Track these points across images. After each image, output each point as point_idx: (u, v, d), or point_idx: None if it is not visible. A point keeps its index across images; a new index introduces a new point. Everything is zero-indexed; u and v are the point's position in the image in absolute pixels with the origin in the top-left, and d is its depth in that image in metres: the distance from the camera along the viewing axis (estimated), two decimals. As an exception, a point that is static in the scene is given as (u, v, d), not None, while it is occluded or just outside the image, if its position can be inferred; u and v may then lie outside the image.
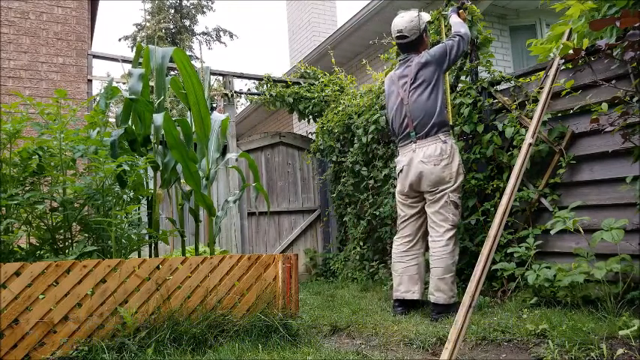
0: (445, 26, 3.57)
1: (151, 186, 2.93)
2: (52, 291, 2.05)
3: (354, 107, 5.06)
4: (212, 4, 19.52)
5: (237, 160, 5.27)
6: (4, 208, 2.37)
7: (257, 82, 5.95)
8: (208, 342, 2.21)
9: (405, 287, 3.00)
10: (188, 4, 19.22)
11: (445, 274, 2.79)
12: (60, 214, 2.51)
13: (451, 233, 2.83)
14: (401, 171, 3.02)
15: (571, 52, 2.51)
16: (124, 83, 5.27)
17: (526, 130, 2.90)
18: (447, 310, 2.76)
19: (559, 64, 2.88)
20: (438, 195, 2.87)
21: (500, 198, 3.07)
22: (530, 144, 2.59)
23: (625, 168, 2.61)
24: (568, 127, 2.93)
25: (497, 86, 3.45)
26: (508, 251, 2.99)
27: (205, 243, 4.38)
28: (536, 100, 3.06)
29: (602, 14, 2.60)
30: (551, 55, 3.15)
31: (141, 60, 3.04)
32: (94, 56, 5.57)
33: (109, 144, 2.63)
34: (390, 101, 3.14)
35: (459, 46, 2.96)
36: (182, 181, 3.02)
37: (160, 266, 2.31)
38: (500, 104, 3.35)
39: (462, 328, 1.83)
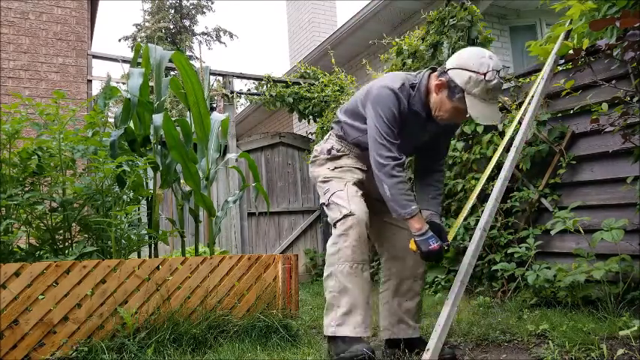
0: (446, 25, 3.56)
1: (151, 186, 2.93)
2: (51, 291, 2.05)
3: (354, 107, 5.05)
4: (212, 4, 19.55)
5: (237, 160, 5.26)
6: (3, 209, 2.36)
7: (257, 82, 5.94)
8: (208, 342, 2.21)
9: None
10: (188, 4, 19.24)
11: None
12: (60, 214, 2.50)
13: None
14: None
15: (571, 52, 2.51)
16: (123, 83, 5.26)
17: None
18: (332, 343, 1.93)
19: (552, 67, 2.82)
20: None
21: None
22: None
23: (625, 168, 2.61)
24: (568, 127, 2.93)
25: (497, 86, 3.44)
26: (508, 251, 2.99)
27: (205, 243, 4.37)
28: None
29: (602, 14, 2.59)
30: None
31: (140, 60, 3.03)
32: (94, 56, 5.58)
33: (108, 144, 2.63)
34: None
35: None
36: (182, 181, 3.02)
37: (160, 267, 2.31)
38: (500, 104, 3.35)
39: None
